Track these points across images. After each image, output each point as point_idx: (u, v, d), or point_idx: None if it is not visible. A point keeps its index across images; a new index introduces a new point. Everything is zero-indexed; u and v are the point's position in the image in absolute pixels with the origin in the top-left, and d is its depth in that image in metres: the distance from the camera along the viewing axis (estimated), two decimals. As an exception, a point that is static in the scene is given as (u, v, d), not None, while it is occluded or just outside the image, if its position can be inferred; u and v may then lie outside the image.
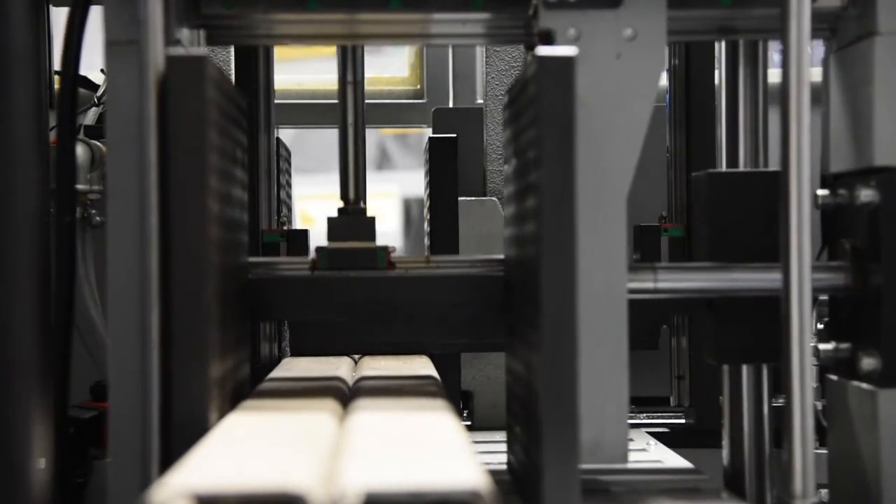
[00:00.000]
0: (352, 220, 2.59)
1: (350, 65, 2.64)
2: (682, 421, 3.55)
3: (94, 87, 3.75)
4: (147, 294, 2.04)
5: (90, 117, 3.58)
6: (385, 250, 2.49)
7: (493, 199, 3.56)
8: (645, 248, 3.30)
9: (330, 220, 2.56)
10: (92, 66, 3.48)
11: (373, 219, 2.57)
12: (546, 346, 1.96)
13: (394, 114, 4.48)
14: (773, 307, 2.24)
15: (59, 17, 4.10)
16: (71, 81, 2.38)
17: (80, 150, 3.27)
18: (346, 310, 2.49)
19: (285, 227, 3.45)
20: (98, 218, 3.49)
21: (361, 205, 2.65)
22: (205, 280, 2.01)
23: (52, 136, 2.76)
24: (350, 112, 2.67)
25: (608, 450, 2.17)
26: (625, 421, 2.18)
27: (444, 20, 2.38)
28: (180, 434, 1.99)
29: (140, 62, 2.06)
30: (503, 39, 2.77)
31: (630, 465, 2.74)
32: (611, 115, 2.19)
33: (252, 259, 2.54)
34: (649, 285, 2.34)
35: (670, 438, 3.12)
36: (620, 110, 2.19)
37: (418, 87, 4.50)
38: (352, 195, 2.64)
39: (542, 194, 1.97)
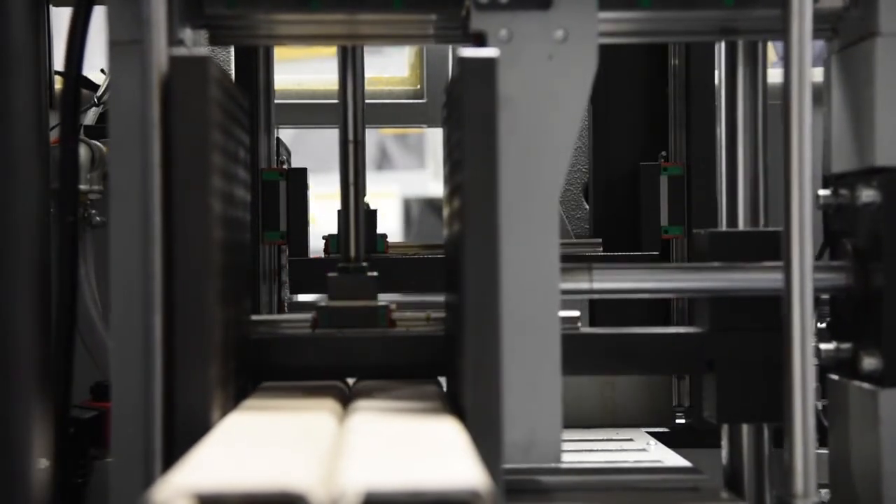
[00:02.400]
0: (353, 278, 2.59)
1: (350, 67, 2.65)
2: (683, 421, 3.58)
3: (95, 87, 3.77)
4: (150, 294, 2.04)
5: (90, 117, 3.59)
6: (386, 309, 2.51)
7: None
8: (646, 186, 3.35)
9: (331, 278, 2.57)
10: (92, 66, 3.54)
11: (375, 277, 2.57)
12: (469, 344, 1.99)
13: (394, 114, 4.49)
14: (773, 369, 2.27)
15: (59, 17, 4.12)
16: (74, 82, 2.39)
17: (81, 151, 3.31)
18: (347, 370, 2.52)
19: (284, 167, 3.45)
20: (98, 218, 3.50)
21: (363, 263, 2.64)
22: (208, 280, 2.01)
23: (53, 136, 2.71)
24: (351, 172, 2.68)
25: (541, 449, 2.20)
26: (558, 420, 2.21)
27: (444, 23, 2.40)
28: (182, 433, 2.00)
29: (143, 62, 2.07)
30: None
31: (630, 465, 2.77)
32: (542, 116, 2.22)
33: (255, 317, 2.56)
34: (584, 286, 2.36)
35: (670, 438, 3.15)
36: (552, 111, 2.22)
37: (418, 87, 4.53)
38: (353, 253, 2.64)
39: (465, 195, 2.00)
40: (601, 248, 3.40)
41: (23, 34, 2.30)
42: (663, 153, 3.56)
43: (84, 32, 2.40)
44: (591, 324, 3.29)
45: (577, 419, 3.29)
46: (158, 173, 2.05)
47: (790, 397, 2.16)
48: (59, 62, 4.01)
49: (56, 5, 3.56)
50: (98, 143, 3.47)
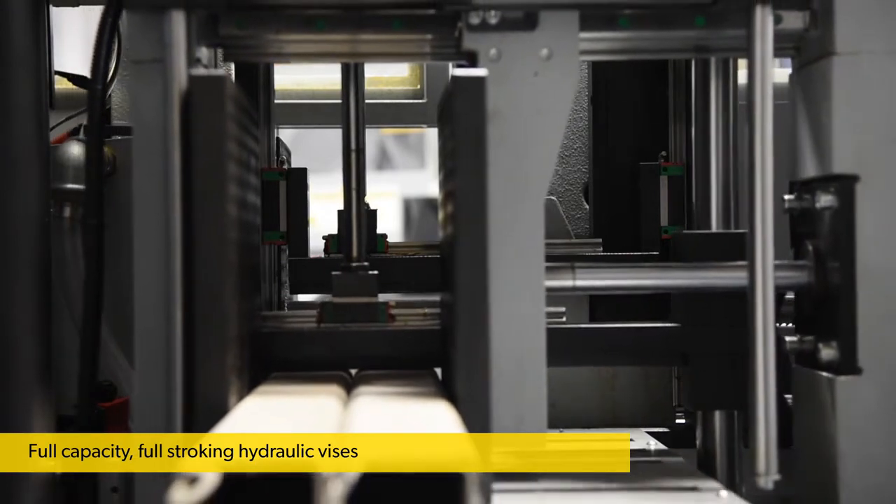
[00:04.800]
0: (354, 277, 2.89)
1: (353, 82, 2.94)
2: (683, 421, 3.67)
3: None
4: (171, 290, 2.34)
5: None
6: (386, 305, 2.82)
7: (553, 198, 3.73)
8: (645, 186, 3.45)
9: (334, 276, 2.87)
10: None
11: (375, 275, 2.88)
12: (461, 338, 2.31)
13: (394, 114, 4.56)
14: (741, 361, 2.54)
15: (59, 17, 4.16)
16: (101, 93, 2.64)
17: (81, 151, 3.27)
18: (350, 361, 2.84)
19: (284, 167, 3.59)
20: None
21: (364, 262, 2.94)
22: (225, 277, 2.30)
23: (53, 136, 2.94)
24: (353, 178, 2.98)
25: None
26: (544, 407, 2.54)
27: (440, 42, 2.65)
28: (202, 417, 2.27)
29: (165, 81, 2.37)
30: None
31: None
32: (528, 127, 2.54)
33: (264, 313, 2.87)
34: (568, 283, 2.67)
35: (670, 439, 3.33)
36: (537, 123, 2.54)
37: (418, 86, 4.58)
38: (355, 253, 2.95)
39: (457, 201, 2.32)
40: (601, 248, 3.48)
41: (23, 34, 2.54)
42: (663, 153, 3.61)
43: (109, 45, 2.66)
44: (591, 319, 3.46)
45: (578, 419, 3.48)
46: (178, 182, 2.34)
47: (754, 386, 2.44)
48: (59, 62, 4.04)
49: (56, 5, 3.64)
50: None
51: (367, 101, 3.05)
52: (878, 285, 2.52)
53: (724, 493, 2.53)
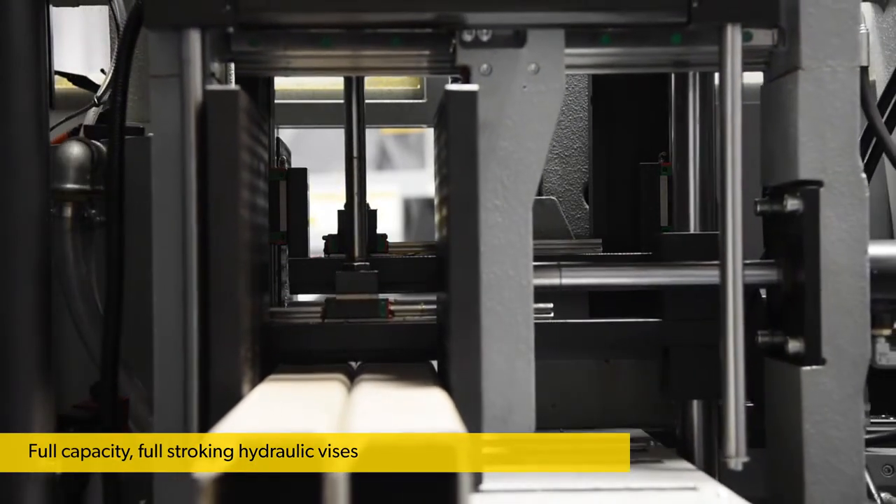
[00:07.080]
0: (356, 275, 3.15)
1: (354, 93, 3.21)
2: None
3: (95, 87, 3.88)
4: (188, 288, 2.57)
5: (90, 117, 3.59)
6: (386, 301, 3.09)
7: (553, 198, 3.88)
8: (645, 186, 3.57)
9: (337, 274, 3.15)
10: (91, 66, 3.95)
11: (375, 273, 3.14)
12: (454, 332, 2.53)
13: (394, 114, 4.63)
14: (716, 354, 2.74)
15: (59, 17, 4.35)
16: (121, 106, 2.93)
17: (81, 151, 3.35)
18: (352, 354, 3.12)
19: (284, 167, 3.69)
20: (98, 218, 3.57)
21: (365, 262, 3.23)
22: (238, 275, 2.52)
23: (53, 136, 3.10)
24: (355, 182, 3.23)
25: (517, 420, 2.81)
26: (531, 396, 2.80)
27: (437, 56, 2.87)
28: (217, 404, 2.48)
29: (182, 95, 2.60)
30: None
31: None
32: (517, 137, 2.80)
33: (272, 309, 3.12)
34: (555, 282, 2.96)
35: (671, 438, 3.38)
36: (526, 132, 2.79)
37: (418, 87, 4.67)
38: (356, 253, 3.21)
39: (450, 206, 2.54)
40: (601, 249, 3.58)
41: (23, 34, 2.66)
42: (663, 153, 3.68)
43: (129, 60, 2.92)
44: (591, 315, 3.59)
45: (577, 419, 3.60)
46: (195, 187, 2.58)
47: (725, 374, 2.70)
48: (59, 62, 4.25)
49: (56, 5, 3.85)
50: (98, 144, 3.48)
51: (367, 101, 3.22)
52: (840, 282, 2.80)
53: (723, 492, 2.62)
